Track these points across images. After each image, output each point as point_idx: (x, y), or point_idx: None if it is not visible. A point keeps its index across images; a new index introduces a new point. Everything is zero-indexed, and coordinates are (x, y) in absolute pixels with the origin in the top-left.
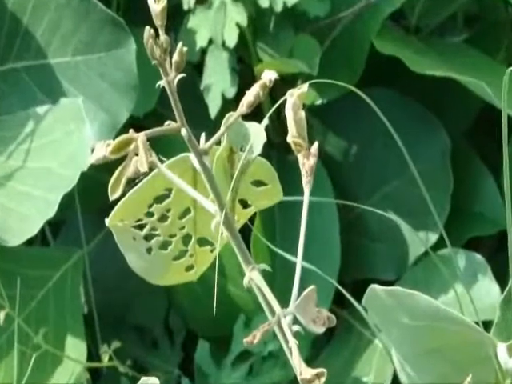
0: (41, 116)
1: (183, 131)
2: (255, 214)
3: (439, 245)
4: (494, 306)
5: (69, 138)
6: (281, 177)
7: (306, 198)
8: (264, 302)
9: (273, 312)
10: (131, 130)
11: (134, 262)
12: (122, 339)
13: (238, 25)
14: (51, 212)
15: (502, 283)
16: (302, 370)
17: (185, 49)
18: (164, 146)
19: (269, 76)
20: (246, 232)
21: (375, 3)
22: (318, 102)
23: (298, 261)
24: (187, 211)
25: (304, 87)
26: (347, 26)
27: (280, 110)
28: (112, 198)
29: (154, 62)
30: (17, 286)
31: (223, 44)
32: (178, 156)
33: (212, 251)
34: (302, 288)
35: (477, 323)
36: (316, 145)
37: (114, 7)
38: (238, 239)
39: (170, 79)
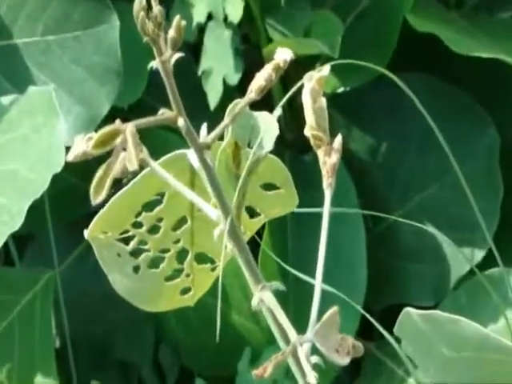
0: (5, 107)
1: (180, 121)
2: (264, 225)
3: (487, 264)
4: None
5: (38, 133)
6: (295, 180)
7: (326, 206)
8: (276, 329)
9: (287, 340)
10: (118, 120)
11: (119, 282)
12: (102, 379)
13: None
14: (16, 224)
15: None
16: None
17: (183, 22)
18: (155, 141)
19: (283, 56)
20: (252, 247)
21: None
22: (340, 89)
23: (317, 283)
24: (183, 221)
25: (325, 70)
26: None
27: (293, 100)
28: (94, 202)
29: (145, 38)
30: None
31: (225, 20)
32: (172, 153)
33: (213, 270)
34: (320, 313)
35: None
36: (340, 138)
37: None
38: (245, 252)
39: (164, 58)
